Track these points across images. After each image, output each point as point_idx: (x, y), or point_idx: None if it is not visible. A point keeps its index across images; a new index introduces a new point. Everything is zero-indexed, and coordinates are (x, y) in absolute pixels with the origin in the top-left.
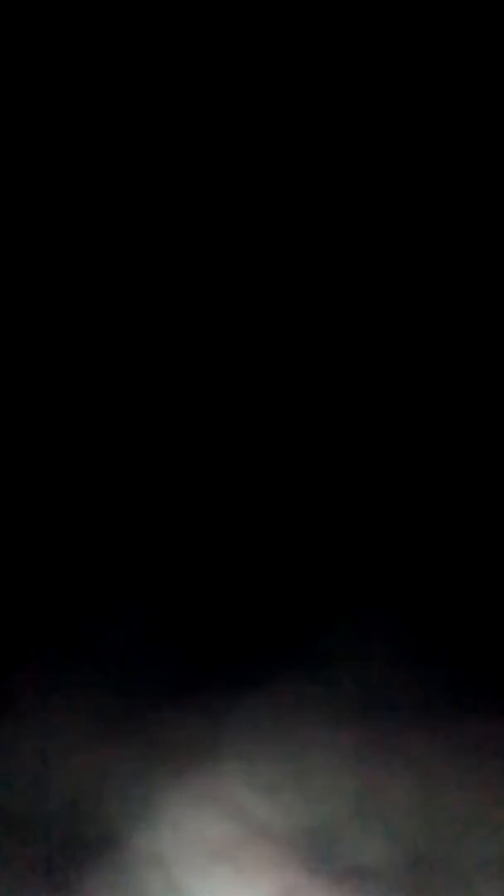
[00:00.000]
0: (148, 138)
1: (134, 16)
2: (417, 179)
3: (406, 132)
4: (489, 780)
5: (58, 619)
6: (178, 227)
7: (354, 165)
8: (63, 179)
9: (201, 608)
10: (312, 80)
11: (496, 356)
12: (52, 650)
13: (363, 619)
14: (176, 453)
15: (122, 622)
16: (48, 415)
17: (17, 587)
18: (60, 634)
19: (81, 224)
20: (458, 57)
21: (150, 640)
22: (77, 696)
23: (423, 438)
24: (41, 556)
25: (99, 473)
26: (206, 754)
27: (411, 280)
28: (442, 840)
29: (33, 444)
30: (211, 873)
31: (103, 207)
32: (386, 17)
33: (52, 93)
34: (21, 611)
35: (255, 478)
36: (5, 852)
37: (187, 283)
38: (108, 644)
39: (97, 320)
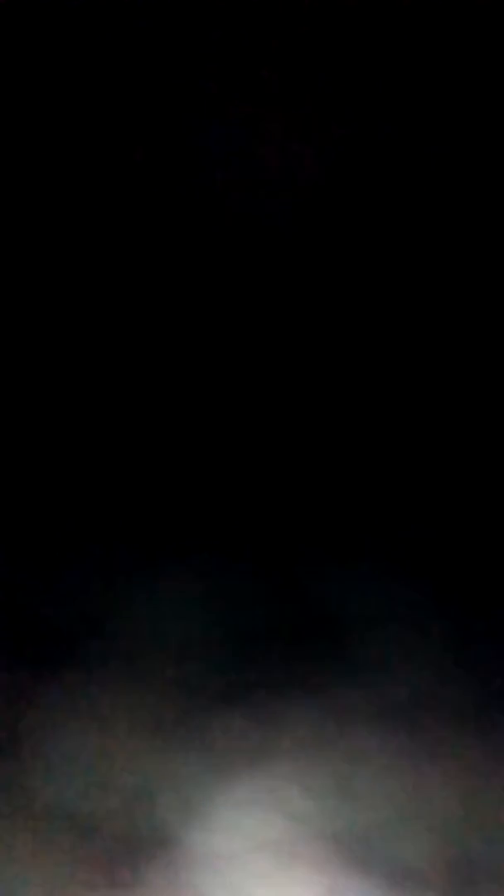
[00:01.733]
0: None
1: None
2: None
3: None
4: None
5: (114, 621)
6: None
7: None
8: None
9: (254, 613)
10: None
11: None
12: (109, 651)
13: (411, 625)
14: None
15: (177, 625)
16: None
17: (74, 588)
18: (117, 635)
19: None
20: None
21: (206, 643)
22: (134, 698)
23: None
24: (98, 554)
25: (149, 474)
26: (259, 756)
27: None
28: (489, 844)
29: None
30: (262, 872)
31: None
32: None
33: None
34: (79, 612)
35: (311, 478)
36: (64, 849)
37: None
38: (164, 647)
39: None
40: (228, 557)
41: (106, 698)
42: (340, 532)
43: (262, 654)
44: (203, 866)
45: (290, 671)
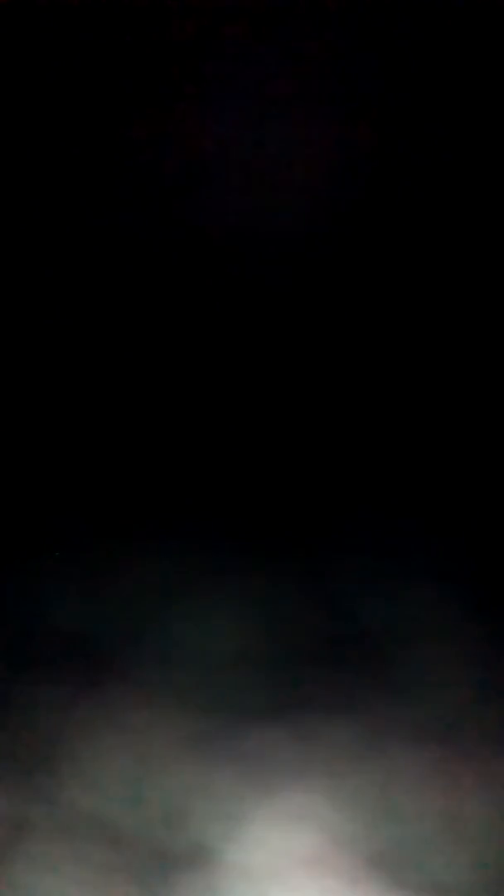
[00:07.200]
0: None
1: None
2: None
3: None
4: None
5: (152, 638)
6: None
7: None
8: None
9: (293, 630)
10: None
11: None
12: (146, 667)
13: (449, 643)
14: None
15: (215, 641)
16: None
17: (113, 605)
18: (155, 652)
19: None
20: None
21: (244, 660)
22: (171, 713)
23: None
24: (140, 571)
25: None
26: (296, 772)
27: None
28: None
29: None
30: (296, 887)
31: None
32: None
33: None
34: (117, 629)
35: (354, 499)
36: (100, 861)
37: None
38: (202, 663)
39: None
40: (269, 575)
41: (143, 713)
42: (381, 551)
43: (301, 670)
44: (238, 880)
45: (327, 688)
